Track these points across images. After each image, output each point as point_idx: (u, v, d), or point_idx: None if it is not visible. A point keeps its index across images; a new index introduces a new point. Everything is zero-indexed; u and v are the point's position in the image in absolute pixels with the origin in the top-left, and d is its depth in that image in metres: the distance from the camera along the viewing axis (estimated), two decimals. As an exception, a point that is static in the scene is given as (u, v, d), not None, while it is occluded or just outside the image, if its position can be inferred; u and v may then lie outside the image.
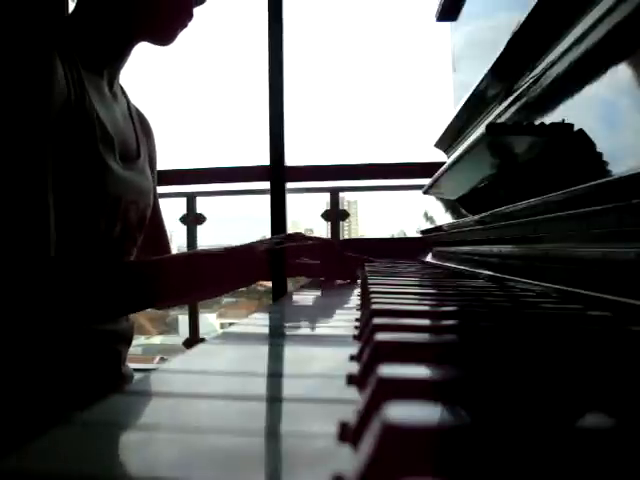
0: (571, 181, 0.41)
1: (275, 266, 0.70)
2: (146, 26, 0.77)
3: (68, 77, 0.68)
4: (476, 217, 0.70)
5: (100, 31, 0.76)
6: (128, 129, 0.84)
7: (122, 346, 0.80)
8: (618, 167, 0.36)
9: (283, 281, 0.64)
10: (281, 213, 1.60)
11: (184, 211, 1.76)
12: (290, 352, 0.33)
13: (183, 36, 0.80)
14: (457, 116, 0.94)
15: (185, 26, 0.78)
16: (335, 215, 1.72)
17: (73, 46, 0.73)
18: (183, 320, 1.89)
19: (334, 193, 1.71)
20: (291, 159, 1.63)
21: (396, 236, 1.64)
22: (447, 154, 1.15)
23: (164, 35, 0.78)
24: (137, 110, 0.92)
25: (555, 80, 0.52)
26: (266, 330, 0.43)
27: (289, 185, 1.62)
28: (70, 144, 0.67)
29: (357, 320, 0.42)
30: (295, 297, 0.64)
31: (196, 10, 0.78)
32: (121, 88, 0.87)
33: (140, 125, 0.90)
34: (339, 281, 0.80)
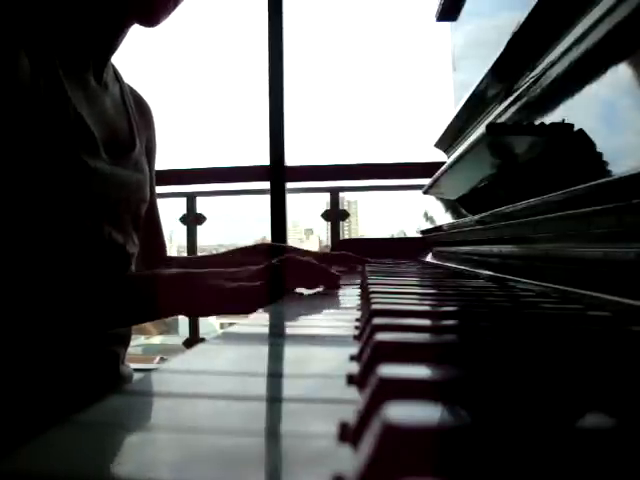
0: (571, 181, 0.41)
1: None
2: (131, 6, 0.72)
3: (38, 75, 0.64)
4: (476, 217, 0.70)
5: (83, 19, 0.72)
6: (120, 120, 0.80)
7: (120, 347, 0.78)
8: (618, 167, 0.36)
9: (282, 281, 0.63)
10: (281, 213, 1.60)
11: (184, 211, 1.76)
12: (290, 352, 0.33)
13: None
14: (457, 116, 0.94)
15: (168, 9, 0.73)
16: (335, 215, 1.72)
17: (51, 41, 0.68)
18: (183, 320, 1.89)
19: (334, 193, 1.72)
20: (291, 159, 1.63)
21: (396, 236, 1.64)
22: (447, 154, 1.15)
23: (150, 16, 0.73)
24: (134, 93, 0.88)
25: (555, 80, 0.52)
26: (266, 330, 0.43)
27: (289, 185, 1.63)
28: (41, 145, 0.63)
29: (357, 320, 0.42)
30: (295, 297, 0.64)
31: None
32: (114, 73, 0.82)
33: (137, 110, 0.85)
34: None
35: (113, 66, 0.82)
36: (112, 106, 0.78)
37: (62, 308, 0.63)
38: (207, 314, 0.73)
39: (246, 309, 0.60)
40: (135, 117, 0.83)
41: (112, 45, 0.76)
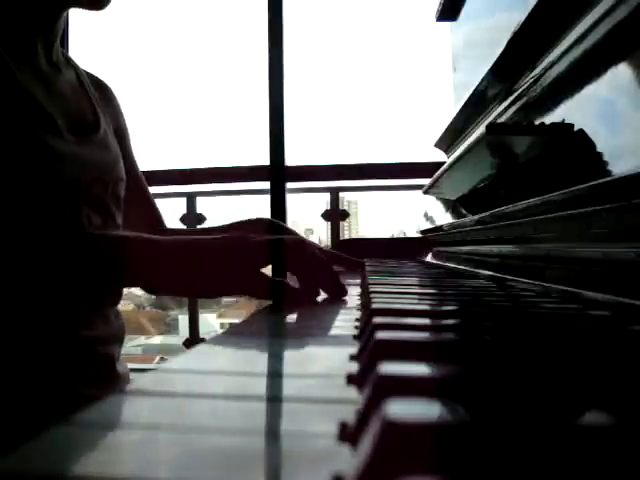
0: (571, 181, 0.41)
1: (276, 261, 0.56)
2: None
3: None
4: (476, 217, 0.70)
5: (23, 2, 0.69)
6: (81, 101, 0.77)
7: (114, 347, 0.76)
8: (618, 167, 0.36)
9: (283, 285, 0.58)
10: (281, 213, 1.60)
11: (184, 211, 1.76)
12: (290, 352, 0.33)
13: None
14: (457, 116, 0.94)
15: None
16: (335, 215, 1.72)
17: None
18: (183, 320, 1.89)
19: (334, 193, 1.72)
20: (291, 159, 1.63)
21: (396, 236, 1.64)
22: (447, 154, 1.15)
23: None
24: (94, 78, 0.85)
25: (555, 80, 0.52)
26: (266, 330, 0.43)
27: (289, 185, 1.63)
28: None
29: (357, 320, 0.42)
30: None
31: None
32: (66, 58, 0.80)
33: (99, 94, 0.83)
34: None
35: (64, 52, 0.80)
36: (69, 88, 0.76)
37: (43, 289, 0.60)
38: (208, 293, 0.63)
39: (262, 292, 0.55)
40: (96, 100, 0.81)
41: (52, 28, 0.73)
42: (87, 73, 0.84)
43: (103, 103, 0.83)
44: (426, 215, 1.21)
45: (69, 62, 0.81)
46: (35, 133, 0.64)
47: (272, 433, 0.18)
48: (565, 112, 0.46)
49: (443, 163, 0.89)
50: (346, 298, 0.60)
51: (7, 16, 0.69)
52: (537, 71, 0.58)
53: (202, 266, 0.57)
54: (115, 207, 0.77)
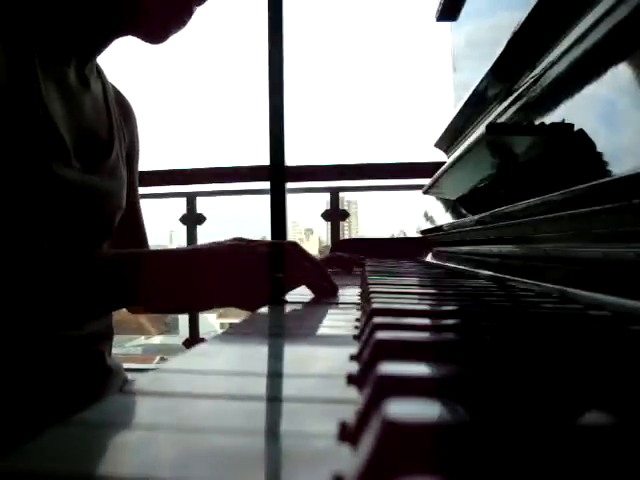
0: (571, 181, 0.41)
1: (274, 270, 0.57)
2: (136, 20, 0.67)
3: (14, 70, 0.59)
4: (476, 217, 0.70)
5: (78, 18, 0.66)
6: (99, 122, 0.74)
7: (103, 344, 0.75)
8: (618, 167, 0.36)
9: (281, 281, 0.59)
10: (281, 213, 1.60)
11: (184, 211, 1.76)
12: (290, 352, 0.33)
13: (181, 36, 0.74)
14: (457, 116, 0.94)
15: (183, 25, 0.69)
16: (335, 215, 1.72)
17: (29, 27, 0.62)
18: (183, 320, 1.90)
19: (334, 193, 1.72)
20: (291, 159, 1.64)
21: (396, 236, 1.64)
22: (447, 154, 1.15)
23: (156, 33, 0.69)
24: (117, 94, 0.82)
25: (555, 80, 0.52)
26: (266, 330, 0.43)
27: (289, 185, 1.63)
28: (5, 151, 0.58)
29: (357, 320, 0.42)
30: (294, 297, 0.64)
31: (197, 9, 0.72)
32: (97, 70, 0.77)
33: (121, 112, 0.81)
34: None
35: (97, 64, 0.77)
36: (92, 106, 0.73)
37: (35, 305, 0.59)
38: (210, 305, 0.68)
39: (256, 304, 0.56)
40: (117, 119, 0.79)
41: (97, 49, 0.72)
42: (114, 88, 0.82)
43: (123, 125, 0.81)
44: (426, 215, 1.21)
45: (100, 75, 0.78)
46: (43, 157, 0.61)
47: (272, 433, 0.18)
48: (565, 112, 0.46)
49: (443, 163, 0.89)
50: (346, 298, 0.60)
51: (48, 25, 0.66)
52: (537, 71, 0.58)
53: (206, 273, 0.58)
54: (105, 235, 0.75)
